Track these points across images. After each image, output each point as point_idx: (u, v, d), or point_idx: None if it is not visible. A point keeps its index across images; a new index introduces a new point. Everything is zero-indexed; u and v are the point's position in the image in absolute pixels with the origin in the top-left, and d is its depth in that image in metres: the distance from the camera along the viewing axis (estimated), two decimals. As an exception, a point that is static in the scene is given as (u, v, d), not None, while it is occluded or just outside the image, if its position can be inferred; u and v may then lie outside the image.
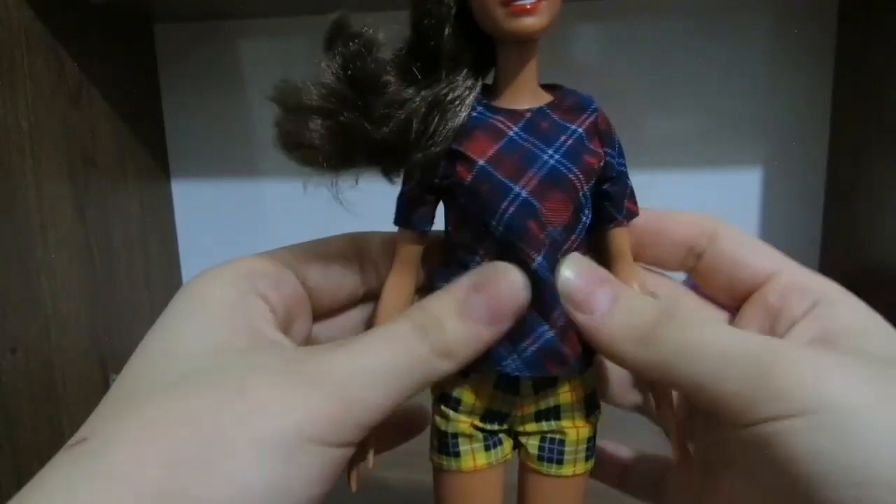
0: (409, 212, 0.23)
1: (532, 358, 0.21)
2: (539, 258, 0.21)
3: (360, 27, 0.20)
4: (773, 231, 0.63)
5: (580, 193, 0.21)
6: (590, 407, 0.23)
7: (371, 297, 0.25)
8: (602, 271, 0.21)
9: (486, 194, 0.21)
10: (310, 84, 0.20)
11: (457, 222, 0.22)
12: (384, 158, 0.21)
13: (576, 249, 0.22)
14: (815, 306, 0.22)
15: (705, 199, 0.62)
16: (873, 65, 0.53)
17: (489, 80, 0.23)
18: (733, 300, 0.25)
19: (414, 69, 0.21)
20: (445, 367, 0.19)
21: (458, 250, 0.22)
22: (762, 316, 0.23)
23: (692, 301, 0.26)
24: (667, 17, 0.61)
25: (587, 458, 0.23)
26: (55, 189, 0.50)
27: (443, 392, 0.23)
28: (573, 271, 0.21)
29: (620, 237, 0.23)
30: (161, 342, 0.20)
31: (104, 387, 0.56)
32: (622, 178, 0.23)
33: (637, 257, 0.25)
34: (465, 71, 0.21)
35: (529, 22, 0.20)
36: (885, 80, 0.51)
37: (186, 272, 0.70)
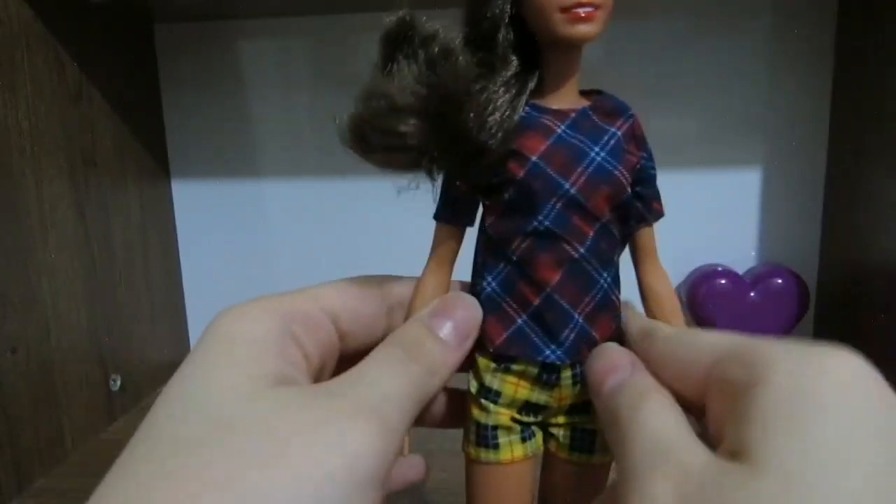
0: (454, 208, 0.24)
1: (571, 346, 0.23)
2: (582, 250, 0.22)
3: (431, 28, 0.21)
4: (773, 231, 0.63)
5: (625, 189, 0.22)
6: None
7: None
8: (625, 356, 0.21)
9: (538, 190, 0.22)
10: (399, 85, 0.20)
11: (497, 216, 0.23)
12: (470, 157, 0.21)
13: (616, 248, 0.23)
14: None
15: (705, 199, 0.62)
16: (873, 65, 0.53)
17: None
18: (694, 394, 0.20)
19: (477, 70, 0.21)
20: (435, 384, 0.20)
21: (495, 243, 0.23)
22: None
23: None
24: (667, 17, 0.61)
25: None
26: (55, 189, 0.50)
27: (482, 384, 0.24)
28: (598, 358, 0.22)
29: (648, 236, 0.25)
30: (188, 388, 0.18)
31: (104, 387, 0.56)
32: (652, 180, 0.24)
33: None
34: (517, 73, 0.22)
35: (585, 29, 0.21)
36: (885, 80, 0.51)
37: (186, 272, 0.70)
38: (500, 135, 0.21)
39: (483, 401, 0.24)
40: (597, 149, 0.22)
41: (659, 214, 0.25)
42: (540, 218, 0.22)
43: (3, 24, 0.44)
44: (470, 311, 0.22)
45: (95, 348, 0.55)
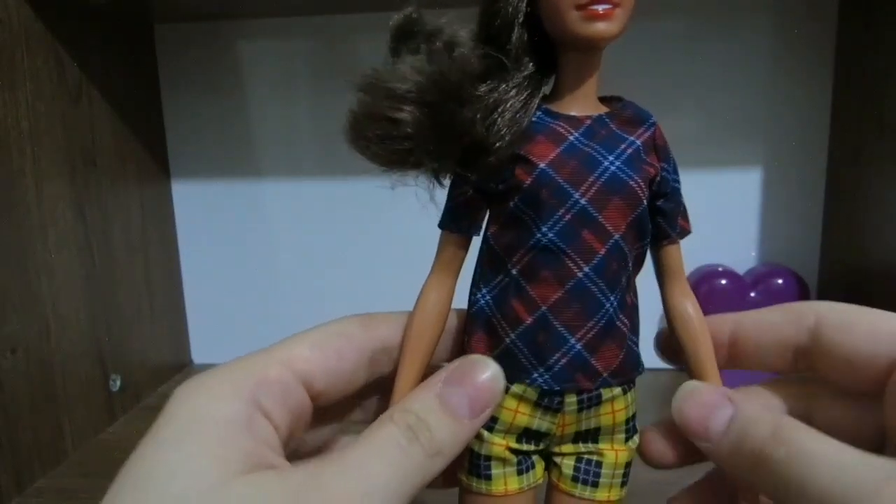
0: (460, 216, 0.22)
1: (560, 372, 0.21)
2: (587, 268, 0.20)
3: (437, 23, 0.20)
4: (774, 231, 0.63)
5: (642, 203, 0.21)
6: (630, 431, 0.23)
7: (378, 387, 0.24)
8: (717, 393, 0.20)
9: (545, 199, 0.20)
10: (398, 74, 0.19)
11: (501, 225, 0.22)
12: (471, 155, 0.20)
13: (626, 268, 0.21)
14: None
15: (705, 199, 0.62)
16: (873, 65, 0.53)
17: (548, 88, 0.22)
18: (866, 386, 0.21)
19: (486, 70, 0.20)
20: (438, 465, 0.19)
21: (496, 254, 0.22)
22: None
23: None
24: (667, 17, 0.61)
25: (622, 485, 0.23)
26: (55, 189, 0.50)
27: None
28: (687, 402, 0.20)
29: (674, 254, 0.23)
30: (149, 473, 0.16)
31: (104, 387, 0.56)
32: (676, 194, 0.23)
33: (739, 364, 0.24)
34: (531, 75, 0.21)
35: (602, 27, 0.20)
36: (885, 80, 0.51)
37: (186, 272, 0.70)
38: (507, 136, 0.20)
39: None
40: (611, 157, 0.20)
41: (685, 232, 0.23)
42: (544, 230, 0.20)
43: (3, 24, 0.44)
44: (491, 381, 0.20)
45: (95, 348, 0.55)
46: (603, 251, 0.20)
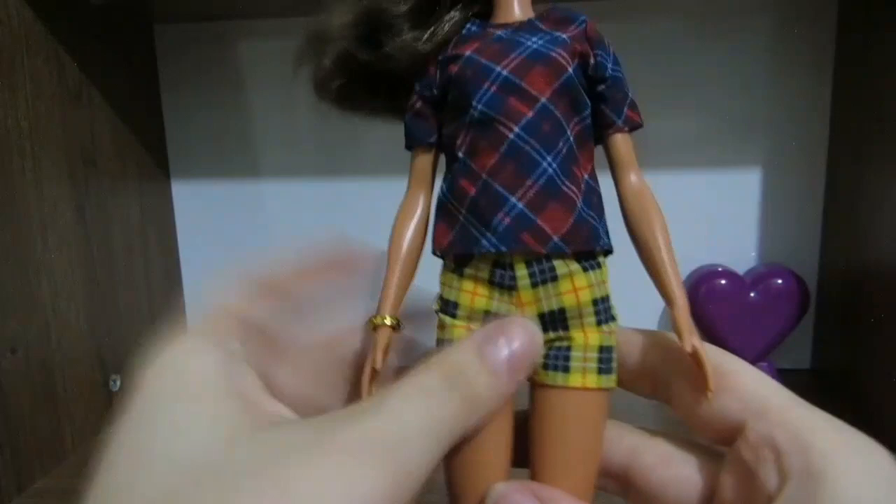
0: (415, 127, 0.23)
1: (506, 232, 0.21)
2: (517, 129, 0.21)
3: None
4: (774, 231, 0.63)
5: (566, 70, 0.21)
6: (601, 314, 0.22)
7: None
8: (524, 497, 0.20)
9: (470, 77, 0.21)
10: (332, 18, 0.22)
11: (447, 121, 0.23)
12: (391, 59, 0.22)
13: (578, 150, 0.22)
14: (797, 478, 0.16)
15: (705, 199, 0.62)
16: (873, 65, 0.53)
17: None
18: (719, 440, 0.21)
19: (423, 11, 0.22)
20: (473, 420, 0.18)
21: (447, 148, 0.23)
22: (739, 475, 0.19)
23: None
24: (667, 18, 0.61)
25: (600, 371, 0.21)
26: (55, 189, 0.50)
27: (442, 298, 0.23)
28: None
29: (623, 145, 0.23)
30: (145, 437, 0.15)
31: (104, 387, 0.56)
32: (618, 83, 0.23)
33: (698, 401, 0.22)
34: (460, 4, 0.23)
35: None
36: (885, 80, 0.51)
37: (186, 272, 0.70)
38: (429, 44, 0.22)
39: (441, 315, 0.22)
40: (534, 38, 0.22)
41: (634, 122, 0.23)
42: (474, 103, 0.21)
43: (3, 25, 0.44)
44: (530, 340, 0.19)
45: (95, 348, 0.55)
46: (531, 113, 0.21)
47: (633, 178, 0.23)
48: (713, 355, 0.21)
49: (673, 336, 0.22)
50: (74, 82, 0.52)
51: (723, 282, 0.58)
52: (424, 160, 0.24)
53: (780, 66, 0.61)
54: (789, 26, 0.60)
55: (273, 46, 0.65)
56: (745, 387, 0.19)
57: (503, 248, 0.21)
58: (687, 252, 0.62)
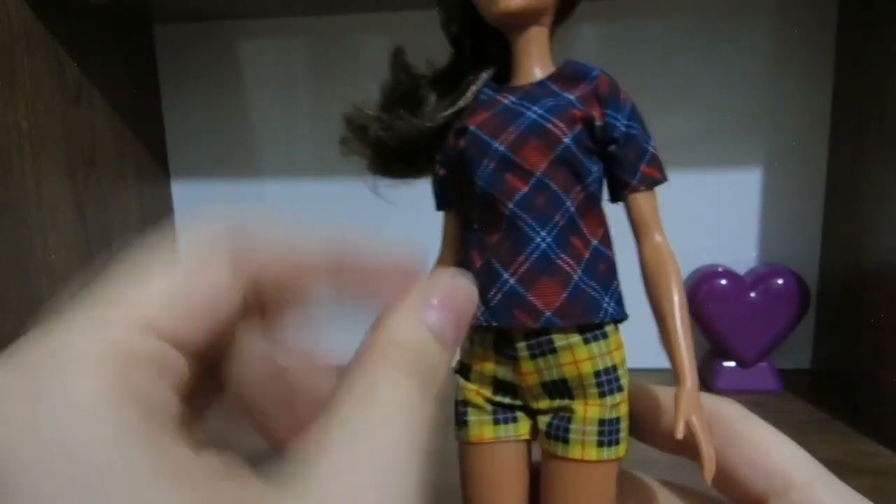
0: (441, 194, 0.24)
1: (498, 308, 0.21)
2: (511, 205, 0.21)
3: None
4: (774, 231, 0.63)
5: (561, 141, 0.21)
6: (604, 385, 0.22)
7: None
8: None
9: (473, 153, 0.22)
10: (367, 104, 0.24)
11: (464, 192, 0.23)
12: (417, 144, 0.23)
13: (582, 218, 0.22)
14: None
15: (705, 199, 0.62)
16: (873, 65, 0.53)
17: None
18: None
19: (448, 78, 0.24)
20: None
21: (466, 217, 0.24)
22: None
23: None
24: (667, 17, 0.61)
25: (600, 444, 0.21)
26: (55, 189, 0.50)
27: (459, 361, 0.23)
28: None
29: (640, 203, 0.22)
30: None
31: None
32: (632, 140, 0.22)
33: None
34: (472, 63, 0.24)
35: (505, 3, 0.21)
36: (885, 80, 0.51)
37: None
38: (440, 118, 0.23)
39: (457, 376, 0.24)
40: (535, 108, 0.22)
41: (652, 179, 0.22)
42: (475, 180, 0.22)
43: (3, 24, 0.44)
44: (469, 298, 0.16)
45: (95, 348, 0.55)
46: (525, 188, 0.21)
47: (651, 238, 0.22)
48: (736, 421, 0.21)
49: (703, 399, 0.21)
50: (74, 82, 0.52)
51: (723, 282, 0.58)
52: (454, 224, 0.25)
53: (780, 66, 0.61)
54: (789, 26, 0.60)
55: (273, 46, 0.65)
56: (770, 462, 0.19)
57: (494, 323, 0.21)
58: (687, 252, 0.62)
